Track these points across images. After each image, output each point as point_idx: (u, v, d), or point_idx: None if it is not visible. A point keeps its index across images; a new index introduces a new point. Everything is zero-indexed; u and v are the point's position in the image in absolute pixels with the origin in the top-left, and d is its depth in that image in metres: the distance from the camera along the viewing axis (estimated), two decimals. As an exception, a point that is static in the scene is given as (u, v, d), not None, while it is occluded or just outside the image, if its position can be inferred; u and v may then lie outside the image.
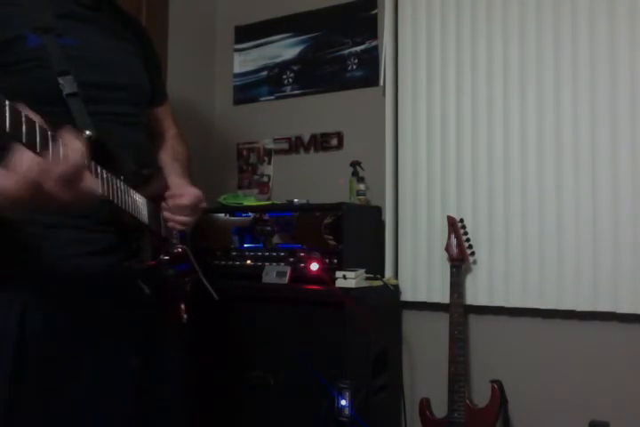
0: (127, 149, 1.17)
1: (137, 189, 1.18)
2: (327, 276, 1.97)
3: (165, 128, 1.55)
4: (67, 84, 1.13)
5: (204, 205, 1.38)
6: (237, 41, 2.82)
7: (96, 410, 1.14)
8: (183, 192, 1.34)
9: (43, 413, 1.08)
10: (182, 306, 1.30)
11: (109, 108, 1.22)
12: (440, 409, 2.04)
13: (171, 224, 1.32)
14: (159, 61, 1.55)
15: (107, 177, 1.01)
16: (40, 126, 0.79)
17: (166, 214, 1.32)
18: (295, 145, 2.61)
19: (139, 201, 1.18)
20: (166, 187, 1.37)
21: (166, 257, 1.25)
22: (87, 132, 1.05)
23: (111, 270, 1.17)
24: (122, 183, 1.08)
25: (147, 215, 1.22)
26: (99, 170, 0.97)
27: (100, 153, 0.97)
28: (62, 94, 1.12)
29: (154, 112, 1.48)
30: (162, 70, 1.56)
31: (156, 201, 1.28)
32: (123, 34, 1.36)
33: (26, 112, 0.77)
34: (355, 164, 2.30)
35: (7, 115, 0.73)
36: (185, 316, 1.29)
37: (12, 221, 1.12)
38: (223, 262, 2.22)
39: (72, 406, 1.11)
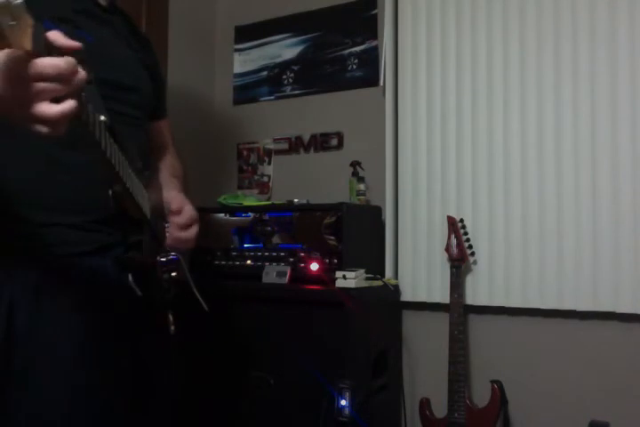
0: (132, 147, 1.16)
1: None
2: (327, 276, 1.97)
3: (165, 143, 1.56)
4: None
5: (196, 228, 1.36)
6: (237, 41, 2.82)
7: (92, 409, 1.13)
8: (181, 209, 1.33)
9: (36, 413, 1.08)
10: (170, 316, 1.28)
11: (116, 107, 1.21)
12: (440, 409, 2.03)
13: (169, 242, 1.32)
14: (164, 80, 1.56)
15: (122, 158, 0.99)
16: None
17: (168, 241, 1.31)
18: (295, 145, 2.61)
19: (143, 193, 1.17)
20: (161, 195, 1.36)
21: (163, 259, 1.24)
22: (102, 117, 1.04)
23: (104, 271, 1.17)
24: (131, 171, 1.06)
25: (149, 209, 1.21)
26: (116, 147, 0.95)
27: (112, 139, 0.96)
28: None
29: (155, 125, 1.49)
30: (165, 89, 1.58)
31: (154, 204, 1.28)
32: (132, 43, 1.38)
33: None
34: (355, 164, 2.30)
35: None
36: (172, 327, 1.28)
37: (4, 221, 1.12)
38: (223, 262, 2.22)
39: (67, 406, 1.10)
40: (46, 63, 0.72)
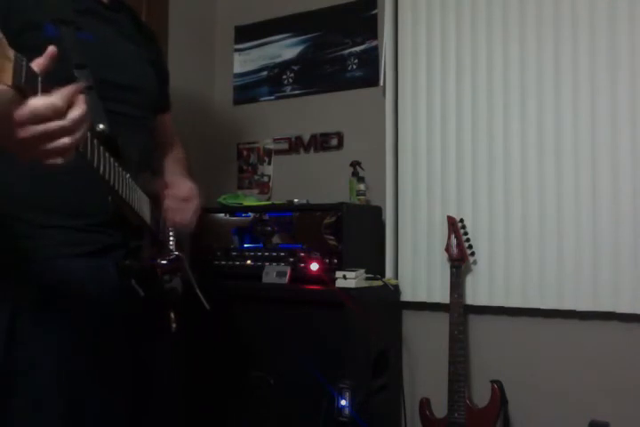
0: (133, 151, 1.17)
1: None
2: (327, 276, 1.97)
3: (169, 137, 1.56)
4: (82, 77, 1.10)
5: (197, 201, 1.38)
6: (237, 41, 2.82)
7: (92, 409, 1.13)
8: (179, 185, 1.36)
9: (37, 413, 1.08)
10: (172, 315, 1.29)
11: (120, 108, 1.21)
12: (440, 409, 2.03)
13: (170, 223, 1.33)
14: (168, 74, 1.56)
15: (118, 170, 1.00)
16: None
17: (167, 214, 1.32)
18: (295, 145, 2.61)
19: (143, 200, 1.18)
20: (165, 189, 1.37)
21: (163, 261, 1.25)
22: (100, 126, 1.04)
23: (106, 271, 1.17)
24: (129, 179, 1.07)
25: (149, 215, 1.22)
26: (111, 160, 0.96)
27: (110, 148, 0.96)
28: None
29: (158, 119, 1.49)
30: (168, 82, 1.57)
31: (155, 205, 1.28)
32: (138, 39, 1.37)
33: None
34: (355, 164, 2.30)
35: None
36: (174, 325, 1.28)
37: (5, 221, 1.12)
38: (223, 262, 2.22)
39: (68, 406, 1.10)
40: (39, 104, 0.73)
